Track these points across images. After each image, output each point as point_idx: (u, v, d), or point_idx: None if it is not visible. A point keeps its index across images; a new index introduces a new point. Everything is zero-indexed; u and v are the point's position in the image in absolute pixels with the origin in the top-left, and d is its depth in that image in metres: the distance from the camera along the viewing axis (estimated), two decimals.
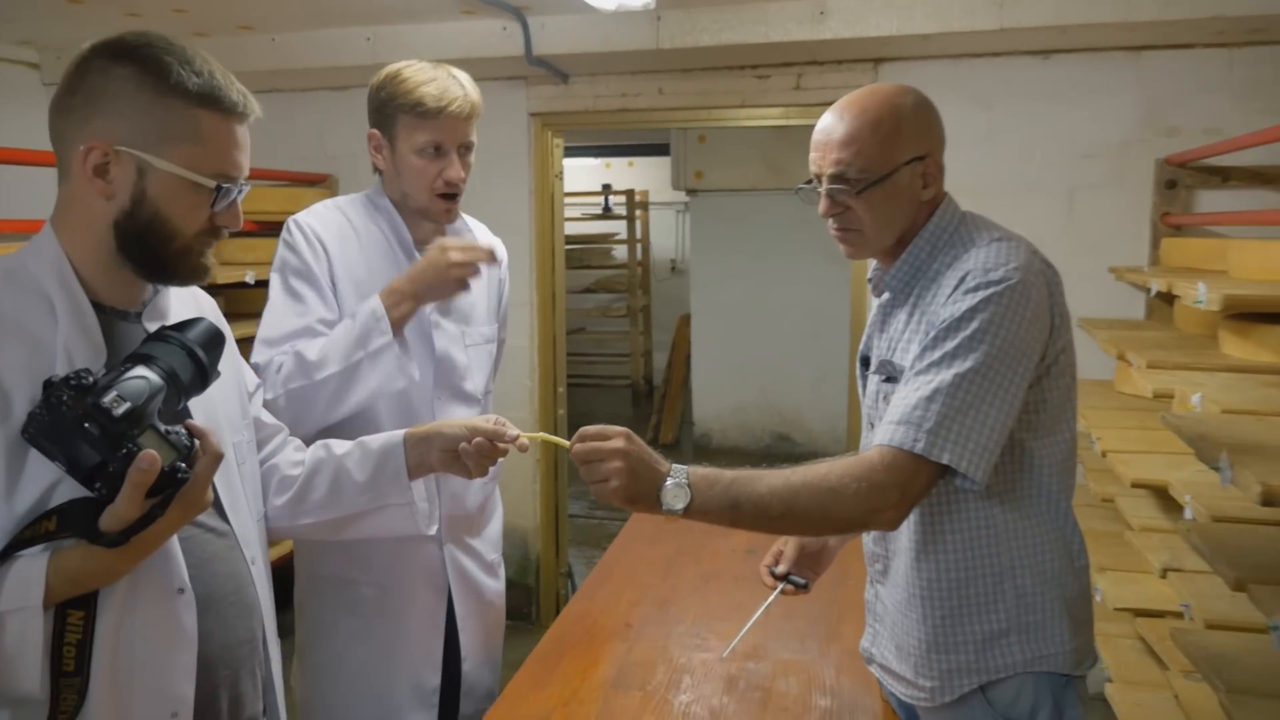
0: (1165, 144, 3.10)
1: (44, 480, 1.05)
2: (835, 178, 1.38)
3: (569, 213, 5.62)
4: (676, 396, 7.54)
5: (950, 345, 1.27)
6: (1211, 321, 2.36)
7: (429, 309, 1.85)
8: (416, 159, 1.77)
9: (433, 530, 1.57)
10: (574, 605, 2.18)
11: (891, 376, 1.40)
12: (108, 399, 1.00)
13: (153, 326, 1.18)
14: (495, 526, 2.05)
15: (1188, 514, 1.74)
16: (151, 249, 1.13)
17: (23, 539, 1.02)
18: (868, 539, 1.53)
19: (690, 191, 6.69)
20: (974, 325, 1.26)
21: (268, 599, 1.33)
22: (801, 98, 3.43)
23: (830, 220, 1.42)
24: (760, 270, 6.55)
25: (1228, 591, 1.49)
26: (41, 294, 1.10)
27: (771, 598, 1.65)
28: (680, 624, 2.05)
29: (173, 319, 1.22)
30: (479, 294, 1.96)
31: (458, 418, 1.86)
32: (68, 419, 0.99)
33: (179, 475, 1.03)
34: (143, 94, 1.08)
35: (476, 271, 1.73)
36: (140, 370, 1.05)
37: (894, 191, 1.37)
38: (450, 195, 1.81)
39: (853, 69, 3.35)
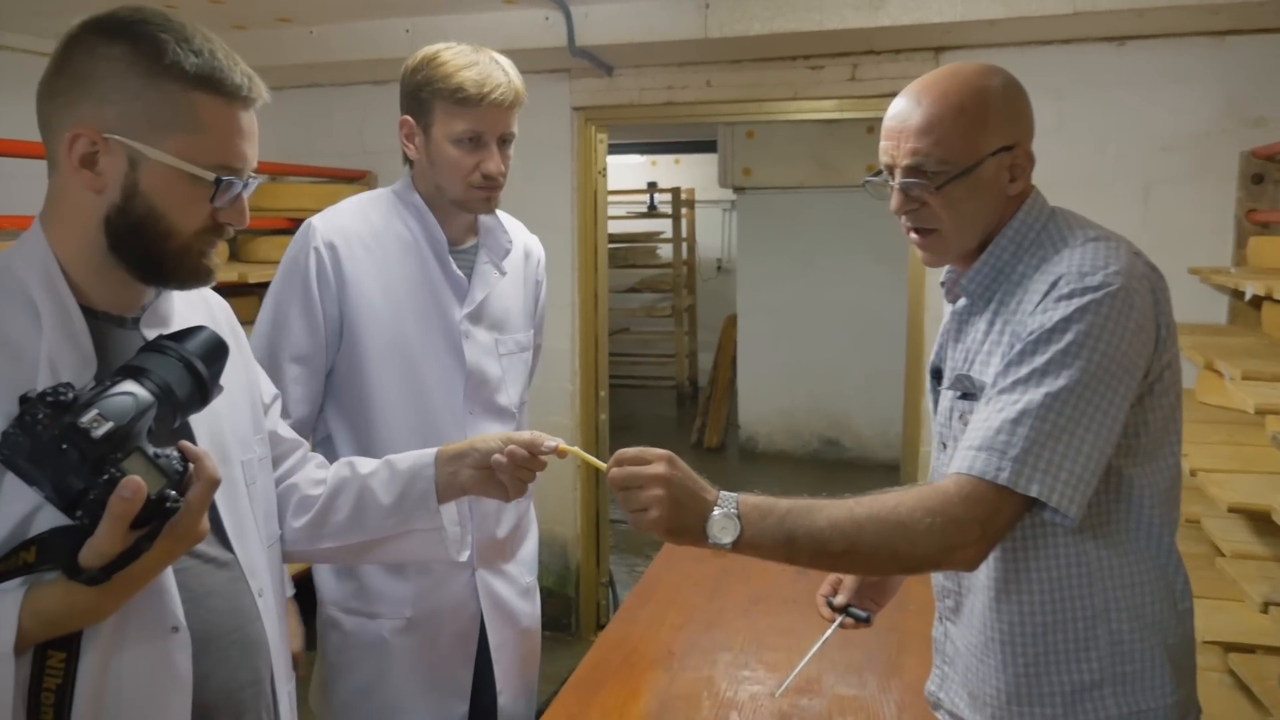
0: (1250, 135, 2.88)
1: (22, 507, 0.94)
2: (911, 170, 1.22)
3: (613, 211, 5.50)
4: (722, 399, 7.38)
5: (1040, 360, 1.12)
6: None
7: (459, 316, 1.73)
8: (453, 149, 1.64)
9: (464, 556, 1.43)
10: (614, 628, 2.05)
11: (968, 393, 1.26)
12: (87, 418, 0.88)
13: (151, 334, 1.07)
14: (530, 547, 1.91)
15: None
16: (146, 248, 1.01)
17: None
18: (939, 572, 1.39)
19: (738, 189, 6.53)
20: (1068, 337, 1.11)
21: (278, 635, 1.20)
22: (857, 89, 3.26)
23: (904, 218, 1.27)
24: (809, 270, 6.36)
25: None
26: (25, 298, 0.99)
27: (829, 631, 1.51)
28: (726, 652, 1.92)
29: (176, 324, 1.11)
30: (513, 298, 1.83)
31: (491, 433, 1.74)
32: (43, 440, 0.88)
33: (168, 504, 0.91)
34: (134, 75, 0.97)
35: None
36: (128, 386, 0.94)
37: (978, 186, 1.21)
38: (489, 186, 1.67)
39: (911, 58, 3.18)
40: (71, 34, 1.00)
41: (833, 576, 1.56)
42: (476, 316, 1.75)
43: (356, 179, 3.73)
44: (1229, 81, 2.90)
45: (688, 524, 1.14)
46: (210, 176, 1.00)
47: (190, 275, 1.06)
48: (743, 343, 6.77)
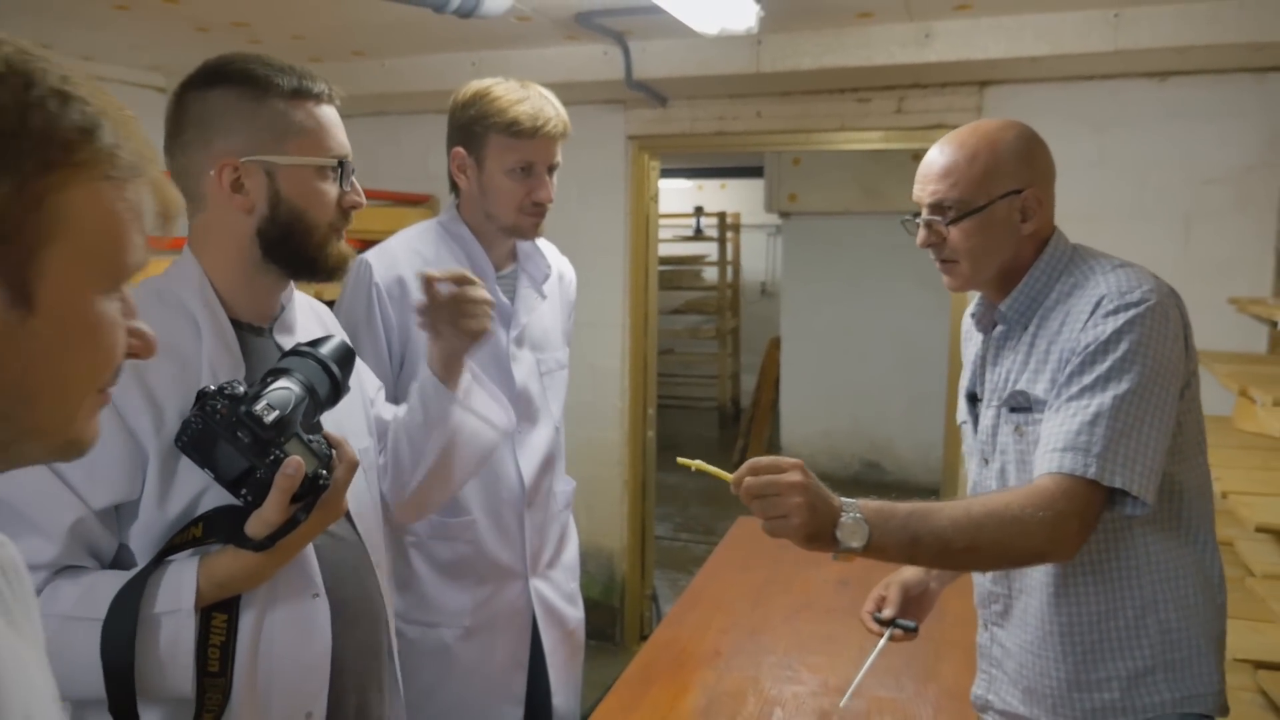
0: None
1: (192, 489, 1.11)
2: (933, 208, 1.40)
3: (660, 234, 5.64)
4: (764, 420, 7.46)
5: (1103, 368, 1.26)
6: None
7: (505, 340, 1.81)
8: (506, 179, 1.74)
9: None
10: (662, 631, 2.17)
11: (1019, 407, 1.38)
12: (259, 407, 1.05)
13: (283, 339, 1.24)
14: (571, 554, 2.03)
15: None
16: (296, 247, 1.19)
17: (172, 545, 1.08)
18: (985, 579, 1.49)
19: (783, 214, 6.63)
20: (1124, 346, 1.26)
21: (391, 610, 1.36)
22: (903, 121, 3.37)
23: (930, 250, 1.44)
24: (853, 295, 6.45)
25: None
26: (187, 313, 1.17)
27: (882, 643, 1.59)
28: (771, 654, 2.02)
29: (299, 331, 1.28)
30: (551, 319, 1.94)
31: (534, 443, 1.87)
32: (221, 426, 1.04)
33: (321, 482, 1.08)
34: (245, 104, 1.15)
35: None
36: (284, 382, 1.10)
37: (989, 223, 1.38)
38: (538, 212, 1.78)
39: (957, 92, 3.28)
40: (176, 95, 1.18)
41: (875, 594, 1.65)
42: (521, 339, 1.85)
43: (420, 202, 3.92)
44: (1270, 117, 2.96)
45: (823, 529, 1.20)
46: (333, 161, 1.19)
47: (336, 262, 1.23)
48: (786, 365, 6.85)
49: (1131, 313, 1.26)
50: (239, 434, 1.04)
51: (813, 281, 6.59)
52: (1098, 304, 1.29)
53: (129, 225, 0.61)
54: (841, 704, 1.77)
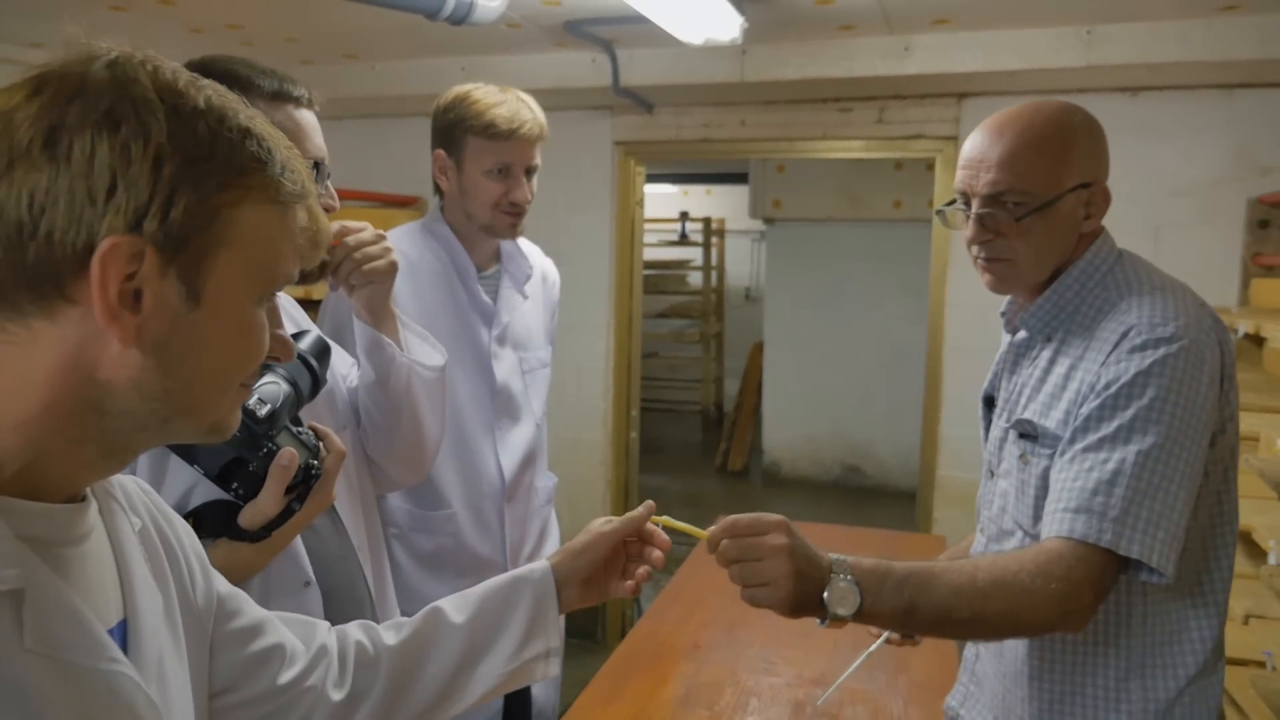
0: (1258, 183, 3.04)
1: (181, 485, 1.14)
2: (990, 200, 1.22)
3: (646, 239, 5.71)
4: (747, 424, 7.54)
5: (1125, 417, 1.12)
6: None
7: (487, 338, 1.87)
8: (484, 180, 1.79)
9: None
10: (643, 625, 2.22)
11: (1027, 434, 1.25)
12: (252, 402, 1.08)
13: None
14: (552, 548, 2.09)
15: (1271, 559, 1.71)
16: None
17: None
18: None
19: (768, 220, 6.72)
20: (1150, 393, 1.11)
21: (375, 597, 1.40)
22: (884, 131, 3.45)
23: (975, 248, 1.27)
24: (835, 300, 6.54)
25: None
26: None
27: (875, 645, 1.53)
28: (749, 648, 2.08)
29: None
30: (534, 318, 1.99)
31: (515, 439, 1.90)
32: None
33: (313, 473, 1.12)
34: None
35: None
36: (271, 377, 1.14)
37: (1056, 221, 1.21)
38: (515, 212, 1.82)
39: (936, 103, 3.37)
40: None
41: None
42: (503, 338, 1.91)
43: (408, 204, 3.96)
44: (1237, 132, 3.06)
45: (810, 596, 1.06)
46: (309, 164, 1.20)
47: (319, 265, 1.27)
48: (769, 370, 6.93)
49: (1161, 351, 1.12)
50: None
51: (796, 287, 6.68)
52: (1125, 334, 1.15)
53: (285, 243, 0.71)
54: (820, 702, 1.82)
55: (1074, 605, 1.09)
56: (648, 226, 6.01)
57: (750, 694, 1.87)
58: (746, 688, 1.90)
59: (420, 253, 1.88)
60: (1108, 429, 1.12)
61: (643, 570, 1.12)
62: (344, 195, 4.02)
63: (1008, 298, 1.37)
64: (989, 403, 1.40)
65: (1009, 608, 1.09)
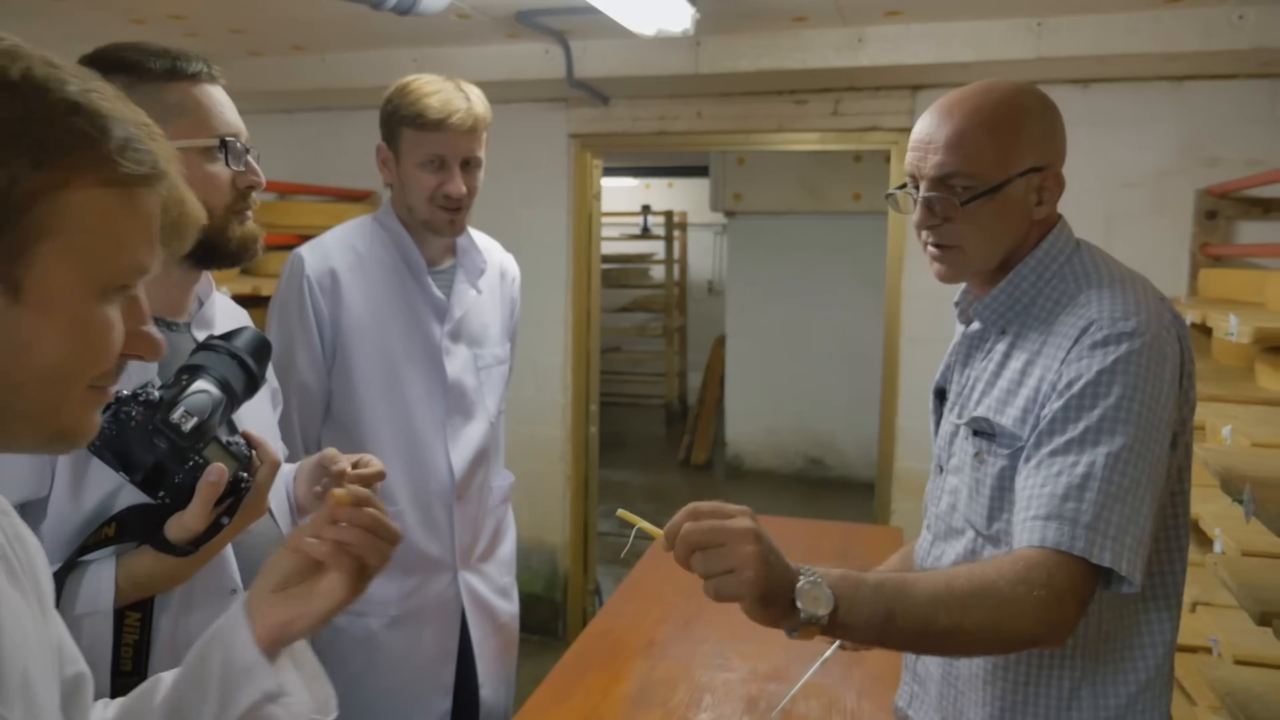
0: (1206, 174, 3.07)
1: (105, 487, 1.09)
2: (937, 183, 1.17)
3: (608, 232, 5.69)
4: (710, 417, 7.54)
5: (1093, 417, 1.07)
6: (1249, 354, 2.34)
7: (439, 334, 1.84)
8: (418, 172, 1.74)
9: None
10: (599, 622, 2.20)
11: (984, 432, 1.20)
12: (176, 415, 1.03)
13: (201, 335, 1.22)
14: (507, 548, 2.06)
15: (1217, 547, 1.73)
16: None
17: (85, 545, 1.06)
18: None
19: (729, 213, 6.72)
20: (1116, 391, 1.07)
21: None
22: (839, 123, 3.45)
23: (924, 233, 1.22)
24: (796, 293, 6.56)
25: (1258, 627, 1.47)
26: None
27: (829, 652, 1.45)
28: (704, 643, 2.07)
29: (219, 327, 1.27)
30: (491, 314, 1.95)
31: (467, 437, 1.86)
32: (137, 434, 1.02)
33: (242, 485, 1.07)
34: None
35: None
36: (201, 384, 1.08)
37: (1005, 205, 1.17)
38: (449, 206, 1.76)
39: (890, 95, 3.37)
40: None
41: None
42: (455, 333, 1.87)
43: (363, 198, 3.90)
44: (1186, 124, 3.09)
45: (779, 590, 0.98)
46: (214, 141, 1.16)
47: (240, 246, 1.20)
48: (731, 363, 6.94)
49: (1124, 347, 1.08)
50: (156, 441, 1.02)
51: (757, 280, 6.69)
52: (1085, 329, 1.11)
53: (131, 230, 0.64)
54: (774, 714, 1.73)
55: (1057, 616, 1.03)
56: (609, 220, 5.99)
57: (704, 690, 1.86)
58: (700, 684, 1.88)
59: (370, 247, 1.85)
60: (1074, 431, 1.08)
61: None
62: (296, 189, 3.98)
63: (961, 287, 1.32)
64: (940, 395, 1.36)
65: (990, 619, 1.03)
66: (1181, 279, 3.09)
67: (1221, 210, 3.05)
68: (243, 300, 1.56)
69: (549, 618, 4.01)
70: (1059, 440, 1.08)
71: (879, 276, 3.64)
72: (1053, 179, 1.19)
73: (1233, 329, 1.87)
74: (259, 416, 1.30)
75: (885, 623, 1.01)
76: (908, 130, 3.34)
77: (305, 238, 3.60)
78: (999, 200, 1.16)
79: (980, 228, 1.17)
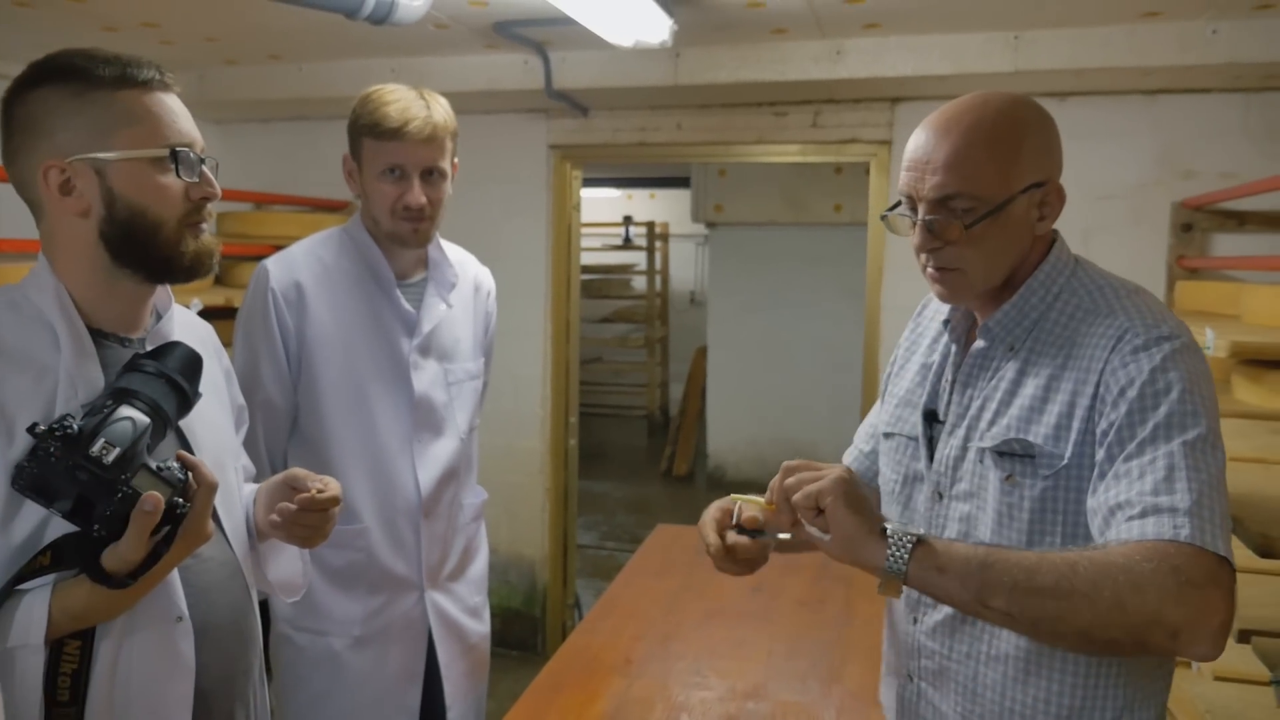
0: (1182, 187, 3.09)
1: (39, 513, 1.05)
2: (937, 204, 1.13)
3: (590, 243, 5.69)
4: (691, 428, 7.53)
5: (1160, 415, 1.03)
6: (1226, 367, 2.34)
7: (407, 348, 1.80)
8: (378, 183, 1.71)
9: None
10: (575, 639, 2.18)
11: (1019, 453, 1.13)
12: (96, 447, 0.99)
13: None
14: (479, 567, 2.01)
15: None
16: (144, 247, 1.12)
17: (19, 575, 1.02)
18: (911, 623, 1.25)
19: (710, 224, 6.72)
20: (1176, 387, 1.03)
21: (259, 630, 1.33)
22: (818, 135, 3.45)
23: (924, 256, 1.17)
24: (777, 304, 6.56)
25: (1238, 644, 1.46)
26: (44, 322, 1.11)
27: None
28: (681, 660, 2.05)
29: None
30: (463, 328, 1.91)
31: (435, 453, 1.84)
32: (57, 470, 0.98)
33: (178, 511, 1.03)
34: (66, 102, 1.09)
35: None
36: (125, 411, 1.04)
37: (1008, 225, 1.12)
38: (410, 217, 1.73)
39: (870, 107, 3.38)
40: (4, 100, 1.13)
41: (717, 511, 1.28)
42: (425, 348, 1.83)
43: (339, 209, 3.87)
44: (1161, 137, 3.11)
45: (863, 505, 1.06)
46: (164, 151, 1.12)
47: (194, 260, 1.16)
48: (713, 374, 6.93)
49: (1166, 347, 1.05)
50: (78, 474, 0.98)
51: (738, 291, 6.68)
52: (1120, 338, 1.07)
53: None
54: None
55: (1198, 602, 0.92)
56: (591, 231, 6.00)
57: (681, 709, 1.83)
58: (677, 703, 1.86)
59: (337, 259, 1.82)
60: (1144, 432, 1.03)
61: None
62: (272, 199, 3.93)
63: (949, 306, 1.27)
64: (930, 418, 1.27)
65: (1109, 584, 0.93)
66: (1159, 291, 3.10)
67: (1197, 223, 3.06)
68: (214, 312, 1.54)
69: (528, 632, 3.97)
70: (1130, 445, 1.03)
71: (860, 287, 3.64)
72: (1054, 193, 1.16)
73: (1210, 342, 1.87)
74: (218, 435, 1.26)
75: (981, 570, 0.98)
76: (887, 143, 3.38)
77: (280, 248, 3.57)
78: (1002, 220, 1.12)
79: (984, 249, 1.13)
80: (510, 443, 3.83)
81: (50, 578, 1.04)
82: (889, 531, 1.03)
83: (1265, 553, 1.18)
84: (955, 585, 1.00)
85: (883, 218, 1.23)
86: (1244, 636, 1.40)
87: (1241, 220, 3.01)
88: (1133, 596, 0.93)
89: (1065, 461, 1.09)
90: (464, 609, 1.94)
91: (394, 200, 1.72)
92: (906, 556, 1.01)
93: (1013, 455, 1.13)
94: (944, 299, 1.22)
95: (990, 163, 1.11)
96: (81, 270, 1.13)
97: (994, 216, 1.11)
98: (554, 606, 4.00)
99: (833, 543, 1.06)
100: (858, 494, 1.06)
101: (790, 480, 1.09)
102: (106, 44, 1.16)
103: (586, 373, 5.32)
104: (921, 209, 1.15)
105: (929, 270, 1.18)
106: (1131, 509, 0.99)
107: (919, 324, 1.37)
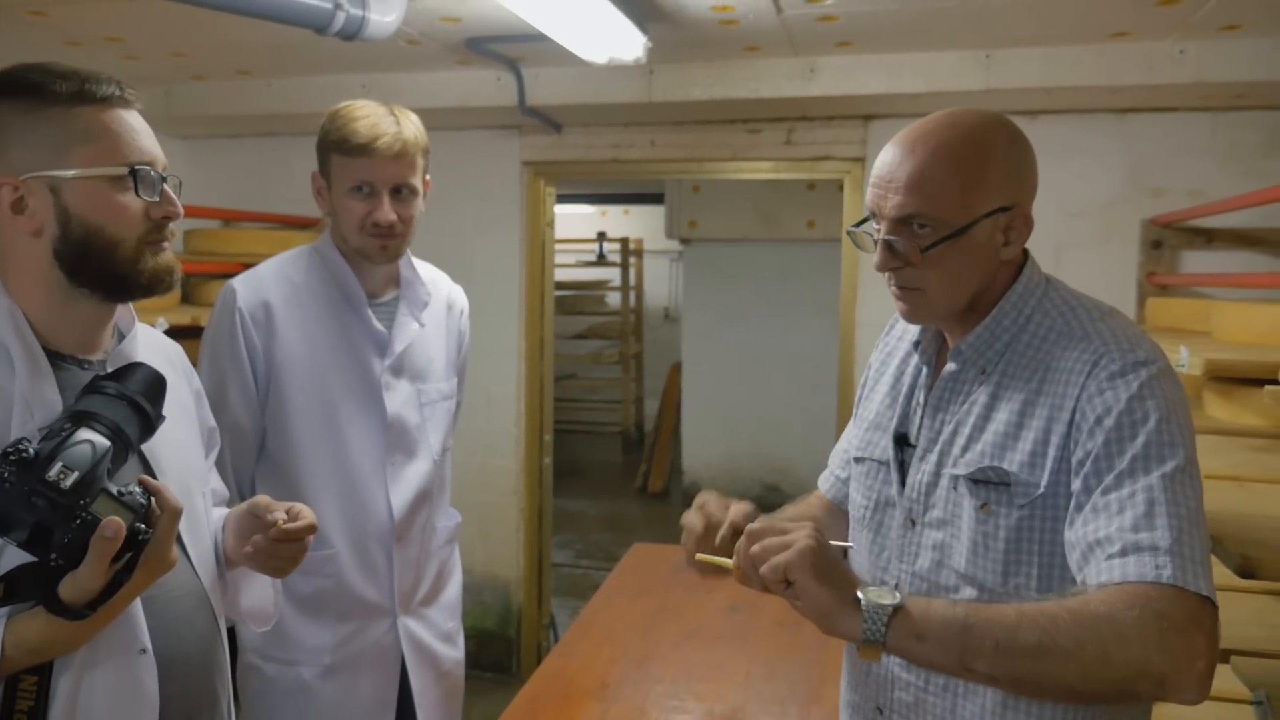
0: (1151, 204, 3.12)
1: None
2: (898, 224, 1.11)
3: (563, 259, 5.65)
4: (666, 444, 7.50)
5: (1137, 445, 1.01)
6: (1197, 383, 2.35)
7: (379, 368, 1.77)
8: (347, 200, 1.69)
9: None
10: (550, 662, 2.14)
11: (994, 481, 1.10)
12: (53, 472, 0.95)
13: None
14: (452, 592, 1.97)
15: None
16: (100, 266, 1.09)
17: None
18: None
19: (684, 240, 6.72)
20: (1153, 416, 1.02)
21: (226, 659, 1.28)
22: (792, 152, 3.46)
23: (888, 275, 1.16)
24: (751, 320, 6.56)
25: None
26: None
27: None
28: (659, 683, 2.02)
29: None
30: (436, 348, 1.88)
31: (408, 476, 1.81)
32: (13, 497, 0.94)
33: (140, 537, 0.99)
34: (20, 118, 1.06)
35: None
36: (83, 434, 1.00)
37: (969, 249, 1.10)
38: (379, 234, 1.70)
39: (843, 125, 3.39)
40: None
41: (695, 519, 1.24)
42: (397, 368, 1.80)
43: (309, 226, 3.82)
44: (1131, 155, 3.15)
45: (835, 572, 0.99)
46: (123, 170, 1.08)
47: (152, 279, 1.12)
48: (687, 390, 6.91)
49: (1143, 373, 1.03)
50: (35, 500, 0.94)
51: (712, 307, 6.68)
52: (1095, 363, 1.06)
53: None
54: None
55: (1183, 648, 0.91)
56: (565, 247, 5.97)
57: None
58: None
59: (306, 278, 1.78)
60: (1122, 464, 1.01)
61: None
62: (241, 216, 3.88)
63: (920, 328, 1.25)
64: (901, 441, 1.24)
65: (1092, 638, 0.92)
66: (1129, 308, 3.13)
67: (1166, 240, 3.09)
68: (181, 331, 1.50)
69: (502, 654, 3.91)
70: (1109, 477, 1.02)
71: (834, 303, 3.64)
72: (1020, 219, 1.13)
73: (1184, 360, 1.87)
74: (184, 459, 1.22)
75: (962, 634, 0.95)
76: (860, 160, 3.39)
77: (249, 267, 3.52)
78: (962, 244, 1.10)
79: (943, 272, 1.12)
80: (484, 461, 3.79)
81: (4, 610, 0.99)
82: (863, 604, 0.98)
83: (1245, 573, 1.18)
84: (936, 651, 0.97)
85: (849, 232, 1.21)
86: (1224, 656, 1.40)
87: (1210, 237, 3.04)
88: (1118, 650, 0.92)
89: (1041, 490, 1.07)
90: (437, 635, 1.90)
91: (363, 217, 1.69)
92: (884, 629, 0.97)
93: (988, 483, 1.11)
94: (907, 318, 1.20)
95: (953, 185, 1.09)
96: (36, 290, 1.10)
97: (953, 240, 1.09)
98: (529, 627, 3.95)
99: (805, 613, 1.01)
100: (826, 562, 1.00)
101: (755, 549, 1.02)
102: (70, 59, 1.12)
103: (560, 389, 5.28)
104: (883, 227, 1.13)
105: (892, 288, 1.17)
106: (1111, 546, 0.98)
107: (887, 343, 1.36)
